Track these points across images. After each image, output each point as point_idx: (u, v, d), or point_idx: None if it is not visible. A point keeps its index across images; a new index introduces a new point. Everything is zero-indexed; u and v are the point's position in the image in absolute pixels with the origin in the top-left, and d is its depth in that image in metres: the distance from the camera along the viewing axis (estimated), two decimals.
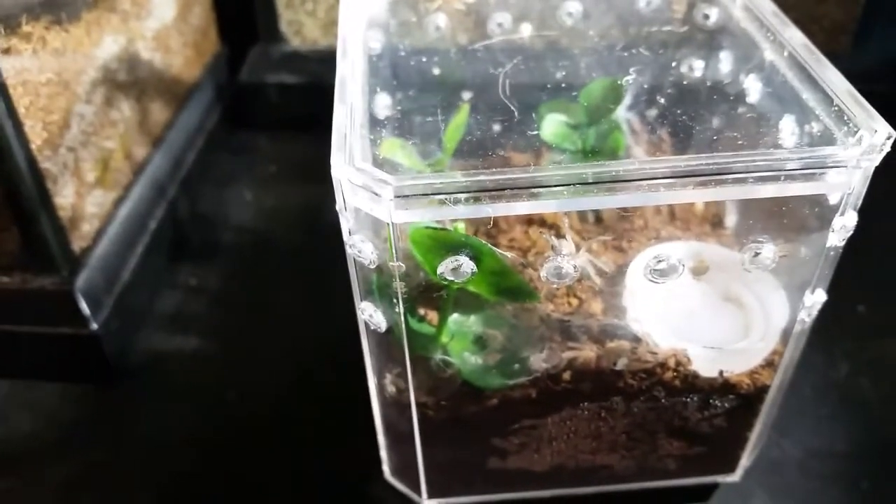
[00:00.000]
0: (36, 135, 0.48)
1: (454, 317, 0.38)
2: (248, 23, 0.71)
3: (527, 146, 0.51)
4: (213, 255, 0.63)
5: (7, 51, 0.46)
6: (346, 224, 0.34)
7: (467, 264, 0.33)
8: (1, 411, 0.52)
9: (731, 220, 0.48)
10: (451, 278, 0.33)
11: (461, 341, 0.37)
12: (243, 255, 0.63)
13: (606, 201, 0.32)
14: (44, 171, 0.48)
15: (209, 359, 0.55)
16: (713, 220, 0.49)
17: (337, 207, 0.34)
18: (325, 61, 0.70)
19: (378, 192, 0.31)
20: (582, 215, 0.49)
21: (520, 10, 0.48)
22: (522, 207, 0.32)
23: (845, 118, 0.35)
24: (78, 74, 0.52)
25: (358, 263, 0.35)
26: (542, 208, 0.32)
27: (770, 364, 0.38)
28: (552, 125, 0.47)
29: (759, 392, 0.39)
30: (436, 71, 0.50)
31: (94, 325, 0.51)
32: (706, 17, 0.47)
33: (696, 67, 0.48)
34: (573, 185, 0.32)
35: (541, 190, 0.32)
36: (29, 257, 0.50)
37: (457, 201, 0.32)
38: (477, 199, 0.31)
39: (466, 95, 0.51)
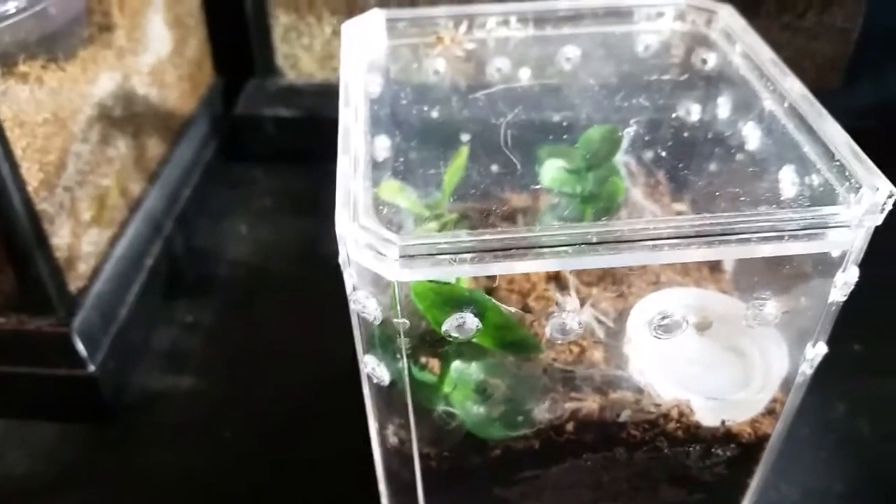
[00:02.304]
0: (32, 176, 0.48)
1: (456, 365, 0.38)
2: (243, 55, 0.71)
3: (525, 188, 0.51)
4: (209, 290, 0.62)
5: (4, 93, 0.46)
6: (349, 279, 0.34)
7: (472, 321, 0.33)
8: None
9: (729, 264, 0.49)
10: (456, 335, 0.33)
11: (463, 390, 0.37)
12: (239, 291, 0.62)
13: (610, 260, 0.32)
14: (40, 213, 0.48)
15: (205, 397, 0.54)
16: (711, 263, 0.49)
17: (340, 261, 0.34)
18: (321, 95, 0.70)
19: (383, 251, 0.31)
20: None
21: (519, 55, 0.48)
22: (527, 266, 0.32)
23: (846, 174, 0.35)
24: (74, 113, 0.52)
25: (361, 317, 0.35)
26: (546, 267, 0.32)
27: (771, 412, 0.38)
28: (551, 170, 0.47)
29: (760, 440, 0.39)
30: (435, 114, 0.50)
31: (92, 367, 0.51)
32: (704, 62, 0.48)
33: (694, 113, 0.49)
34: (578, 245, 0.32)
35: (545, 249, 0.32)
36: (25, 298, 0.50)
37: (462, 261, 0.32)
38: (482, 259, 0.32)
39: (465, 138, 0.51)
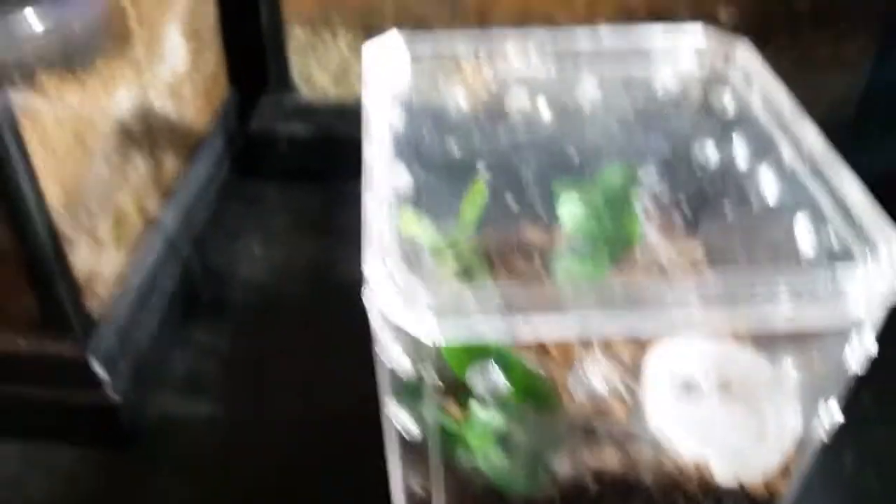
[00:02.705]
0: (54, 196, 0.48)
1: (479, 416, 0.39)
2: (258, 69, 0.71)
3: (540, 219, 0.52)
4: (224, 313, 0.63)
5: (27, 112, 0.46)
6: (379, 334, 0.35)
7: (502, 383, 0.34)
8: (15, 475, 0.52)
9: None
10: (484, 391, 0.34)
11: (486, 442, 0.38)
12: (253, 314, 0.63)
13: (640, 321, 0.33)
14: (61, 234, 0.48)
15: (223, 426, 0.55)
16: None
17: (370, 318, 0.34)
18: (336, 112, 0.71)
19: (417, 312, 0.32)
20: None
21: (538, 90, 0.49)
22: (558, 325, 0.33)
23: (861, 229, 0.36)
24: (94, 130, 0.52)
25: (388, 369, 0.36)
26: (577, 327, 0.33)
27: (785, 470, 0.39)
28: (569, 209, 0.47)
29: (774, 498, 0.40)
30: (454, 145, 0.51)
31: (110, 393, 0.51)
32: (721, 100, 0.48)
33: (709, 152, 0.49)
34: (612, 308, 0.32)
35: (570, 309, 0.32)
36: (45, 321, 0.50)
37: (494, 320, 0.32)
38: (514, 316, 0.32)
39: (483, 169, 0.52)
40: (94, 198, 0.52)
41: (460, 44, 0.47)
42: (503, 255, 0.53)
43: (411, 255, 0.49)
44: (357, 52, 0.70)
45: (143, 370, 0.55)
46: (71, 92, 0.49)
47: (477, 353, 0.34)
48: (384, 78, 0.46)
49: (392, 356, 0.34)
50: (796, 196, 0.43)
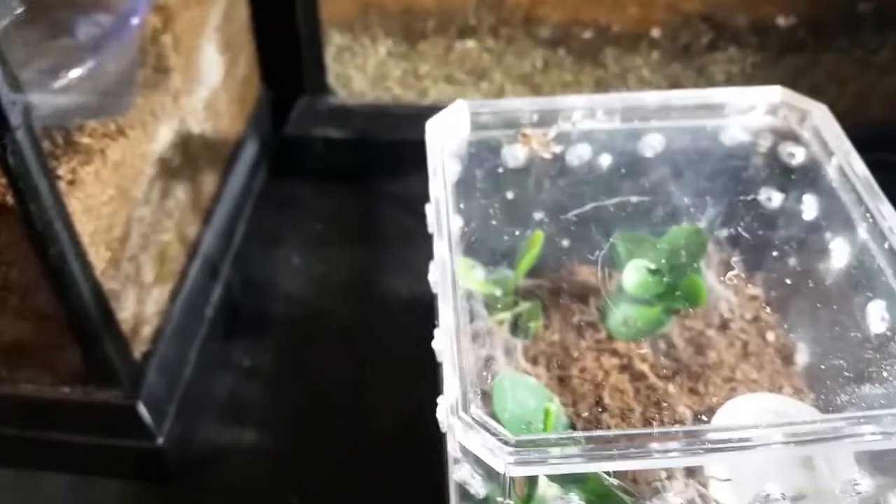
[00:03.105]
0: (100, 259, 0.47)
1: None
2: (292, 71, 0.69)
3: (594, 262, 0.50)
4: (264, 329, 0.62)
5: (72, 182, 0.44)
6: (452, 451, 0.34)
7: None
8: None
9: (802, 358, 0.48)
10: None
11: None
12: (294, 331, 0.62)
13: (719, 458, 0.32)
14: (108, 293, 0.47)
15: (267, 455, 0.55)
16: (784, 355, 0.49)
17: (447, 440, 0.33)
18: (373, 116, 0.68)
19: (495, 452, 0.31)
20: (655, 347, 0.49)
21: (601, 144, 0.47)
22: (636, 464, 0.32)
23: None
24: (137, 178, 0.51)
25: (458, 484, 0.35)
26: (655, 465, 0.32)
27: None
28: (634, 274, 0.46)
29: None
30: (512, 197, 0.49)
31: (160, 439, 0.51)
32: (793, 162, 0.46)
33: (776, 205, 0.48)
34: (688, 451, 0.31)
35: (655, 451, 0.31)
36: (91, 373, 0.49)
37: (572, 460, 0.31)
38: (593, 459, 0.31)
39: (539, 216, 0.50)
40: (139, 245, 0.51)
41: (524, 109, 0.45)
42: (556, 298, 0.52)
43: (466, 307, 0.48)
44: (396, 57, 0.67)
45: (190, 408, 0.54)
46: (113, 147, 0.47)
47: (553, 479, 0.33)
48: (446, 145, 0.44)
49: (467, 479, 0.33)
50: (866, 271, 0.42)
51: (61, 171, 0.44)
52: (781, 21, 0.63)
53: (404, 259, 0.66)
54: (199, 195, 0.60)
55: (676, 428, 0.32)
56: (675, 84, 0.66)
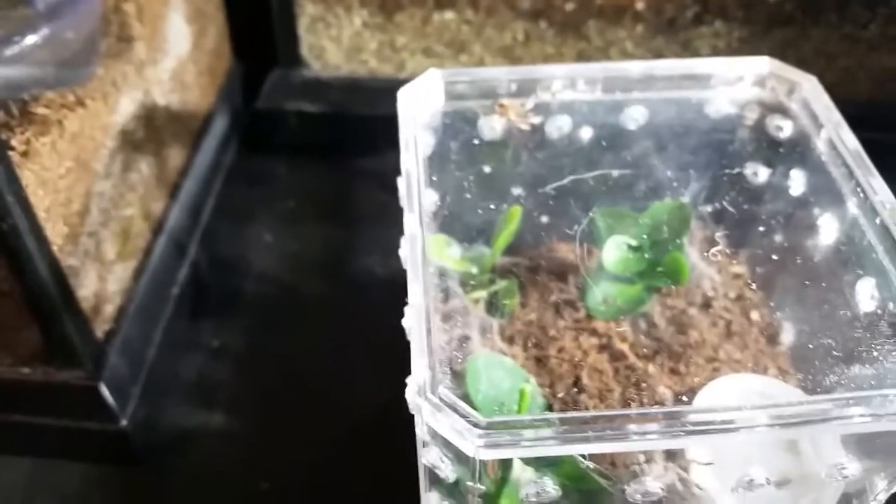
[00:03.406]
0: (57, 234, 0.44)
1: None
2: (264, 42, 0.66)
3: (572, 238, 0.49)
4: (234, 309, 0.60)
5: (26, 153, 0.42)
6: (421, 434, 0.32)
7: (552, 490, 0.31)
8: (25, 494, 0.50)
9: (787, 338, 0.47)
10: (535, 501, 0.32)
11: None
12: (266, 310, 0.60)
13: (700, 441, 0.31)
14: (66, 269, 0.45)
15: (237, 439, 0.53)
16: (768, 335, 0.47)
17: (414, 417, 0.32)
18: (348, 89, 0.66)
19: (464, 433, 0.29)
20: (635, 326, 0.47)
21: (582, 115, 0.45)
22: (613, 447, 0.30)
23: None
24: (96, 151, 0.48)
25: (428, 468, 0.33)
26: (633, 448, 0.31)
27: None
28: (614, 251, 0.44)
29: None
30: (489, 171, 0.47)
31: (123, 421, 0.49)
32: (781, 134, 0.44)
33: (762, 179, 0.46)
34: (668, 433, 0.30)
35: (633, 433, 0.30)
36: (51, 352, 0.47)
37: (545, 443, 0.30)
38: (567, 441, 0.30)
39: (518, 192, 0.48)
40: (99, 220, 0.48)
41: (501, 79, 0.43)
42: (534, 276, 0.50)
43: (441, 285, 0.46)
44: (372, 29, 0.65)
45: (155, 389, 0.53)
46: (71, 118, 0.44)
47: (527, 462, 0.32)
48: (419, 116, 0.42)
49: (436, 462, 0.32)
50: (855, 247, 0.40)
51: (14, 143, 0.42)
52: None
53: (379, 236, 0.64)
54: (165, 169, 0.58)
55: (655, 409, 0.31)
56: (659, 58, 0.64)
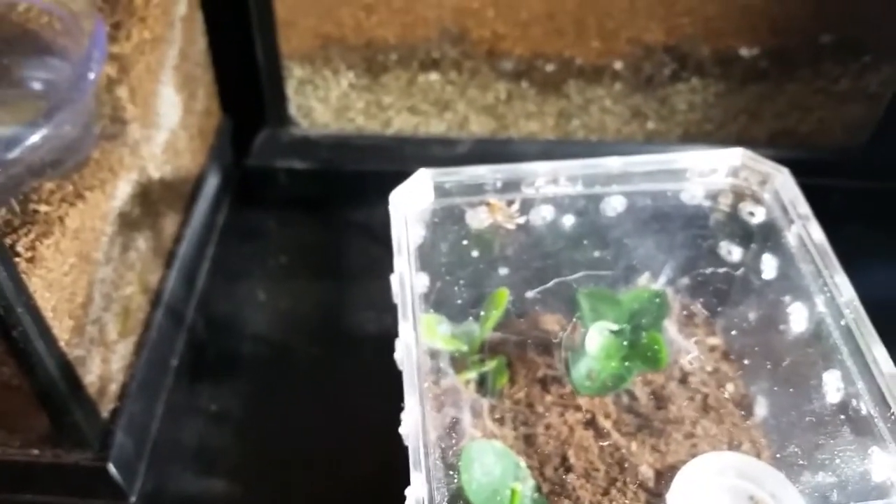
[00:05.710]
0: (63, 329, 0.46)
1: None
2: (253, 101, 0.68)
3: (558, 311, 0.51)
4: (231, 371, 0.62)
5: (32, 259, 0.44)
6: None
7: None
8: None
9: (760, 411, 0.49)
10: None
11: None
12: (262, 372, 0.62)
13: None
14: (73, 361, 0.47)
15: (237, 503, 0.55)
16: (742, 405, 0.50)
17: None
18: (336, 146, 0.68)
19: None
20: (618, 400, 0.50)
21: (563, 208, 0.47)
22: None
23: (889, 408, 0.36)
24: (97, 241, 0.50)
25: None
26: None
27: None
28: (597, 337, 0.47)
29: None
30: (476, 256, 0.49)
31: (132, 498, 0.51)
32: (753, 221, 0.47)
33: (735, 260, 0.48)
34: None
35: None
36: (60, 437, 0.49)
37: None
38: None
39: (504, 272, 0.50)
40: (101, 306, 0.50)
41: (487, 177, 0.45)
42: (521, 351, 0.52)
43: (434, 366, 0.48)
44: (359, 89, 0.66)
45: (160, 462, 0.54)
46: (72, 213, 0.46)
47: None
48: (410, 213, 0.44)
49: None
50: (823, 344, 0.43)
51: (20, 248, 0.43)
52: (745, 52, 0.64)
53: (370, 289, 0.66)
54: (161, 239, 0.59)
55: None
56: (637, 114, 0.66)
